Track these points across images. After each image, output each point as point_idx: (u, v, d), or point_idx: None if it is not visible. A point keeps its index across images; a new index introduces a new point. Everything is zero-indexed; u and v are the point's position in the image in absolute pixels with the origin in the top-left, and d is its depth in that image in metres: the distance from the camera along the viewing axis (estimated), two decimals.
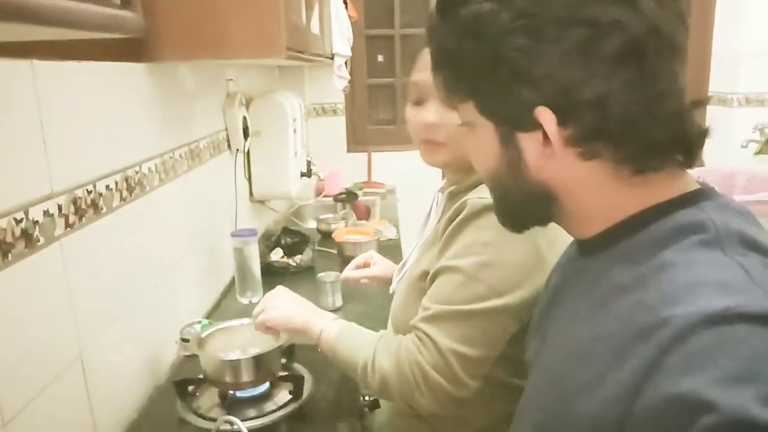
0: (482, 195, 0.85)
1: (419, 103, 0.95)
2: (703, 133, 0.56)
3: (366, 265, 1.31)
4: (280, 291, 1.08)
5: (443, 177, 1.05)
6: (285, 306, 1.03)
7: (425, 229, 1.03)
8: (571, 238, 0.66)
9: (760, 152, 2.67)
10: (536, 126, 0.54)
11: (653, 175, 0.55)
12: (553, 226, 0.66)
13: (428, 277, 0.91)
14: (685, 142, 0.55)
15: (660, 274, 0.51)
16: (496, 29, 0.52)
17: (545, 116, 0.53)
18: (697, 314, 0.45)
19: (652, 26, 0.51)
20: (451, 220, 0.88)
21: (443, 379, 0.84)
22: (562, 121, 0.53)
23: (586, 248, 0.62)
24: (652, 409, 0.45)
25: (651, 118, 0.52)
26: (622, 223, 0.57)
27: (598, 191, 0.56)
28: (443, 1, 0.58)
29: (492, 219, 0.82)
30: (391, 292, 1.10)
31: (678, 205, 0.54)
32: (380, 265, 1.30)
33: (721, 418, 0.40)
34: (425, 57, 0.90)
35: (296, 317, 1.00)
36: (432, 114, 0.92)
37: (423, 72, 0.91)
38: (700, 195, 0.55)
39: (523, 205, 0.62)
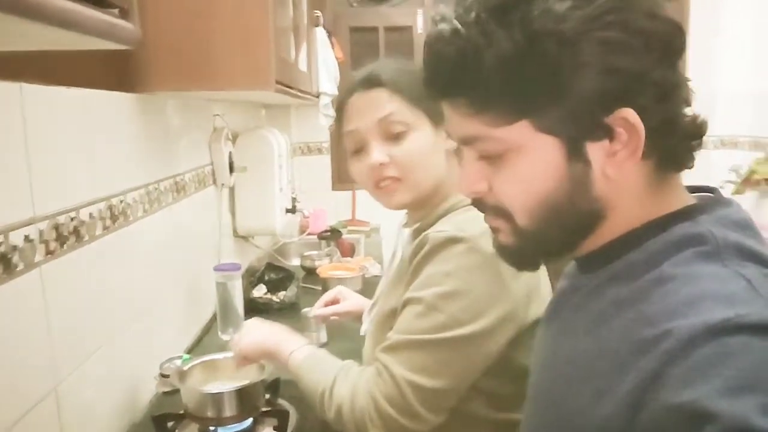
0: (441, 228, 0.85)
1: (360, 151, 0.94)
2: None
3: (335, 301, 1.28)
4: (253, 321, 1.08)
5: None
6: (256, 332, 1.03)
7: (392, 267, 1.02)
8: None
9: (736, 192, 2.73)
10: (607, 132, 0.52)
11: (671, 180, 0.56)
12: None
13: (396, 314, 0.89)
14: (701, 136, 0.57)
15: (660, 287, 0.50)
16: (581, 25, 0.49)
17: (632, 117, 0.50)
18: (699, 325, 0.45)
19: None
20: (414, 255, 0.87)
21: (395, 411, 0.81)
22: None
23: (584, 265, 0.61)
24: (654, 420, 0.45)
25: (688, 112, 0.54)
26: (620, 238, 0.56)
27: (633, 199, 0.55)
28: (502, 4, 0.51)
29: (454, 250, 0.82)
30: (362, 333, 1.08)
31: (675, 220, 0.54)
32: (350, 301, 1.26)
33: (722, 428, 0.40)
34: (351, 107, 0.93)
35: (267, 340, 1.00)
36: (378, 153, 0.90)
37: (355, 121, 0.92)
38: (697, 209, 0.55)
39: (573, 230, 0.57)
